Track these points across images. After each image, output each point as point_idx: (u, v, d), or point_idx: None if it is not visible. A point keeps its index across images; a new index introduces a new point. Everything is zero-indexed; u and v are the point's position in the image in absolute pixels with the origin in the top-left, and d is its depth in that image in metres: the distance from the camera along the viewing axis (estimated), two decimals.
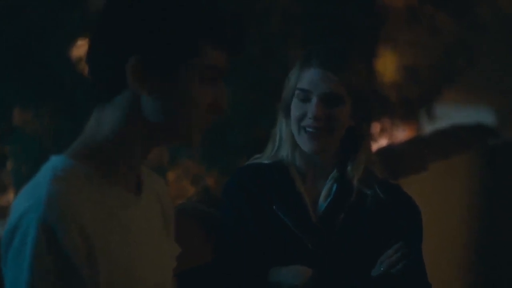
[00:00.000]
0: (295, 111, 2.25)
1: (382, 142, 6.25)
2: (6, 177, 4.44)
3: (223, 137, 4.70)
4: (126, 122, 1.50)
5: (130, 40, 1.47)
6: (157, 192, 1.65)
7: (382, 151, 3.95)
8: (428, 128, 6.51)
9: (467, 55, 6.11)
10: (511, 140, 5.05)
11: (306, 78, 2.23)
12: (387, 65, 6.15)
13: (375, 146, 3.25)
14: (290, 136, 2.28)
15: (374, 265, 2.23)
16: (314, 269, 2.18)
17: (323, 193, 2.28)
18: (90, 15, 3.97)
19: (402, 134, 6.63)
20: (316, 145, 2.23)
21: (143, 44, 1.46)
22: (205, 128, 1.53)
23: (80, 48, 4.05)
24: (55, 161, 1.48)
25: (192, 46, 1.48)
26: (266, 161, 2.33)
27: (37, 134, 4.17)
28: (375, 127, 6.10)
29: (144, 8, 1.48)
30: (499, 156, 4.93)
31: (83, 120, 1.53)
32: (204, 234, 2.33)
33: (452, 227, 4.49)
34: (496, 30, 6.81)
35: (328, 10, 5.19)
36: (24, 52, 3.97)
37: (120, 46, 1.47)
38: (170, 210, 1.70)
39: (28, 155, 4.16)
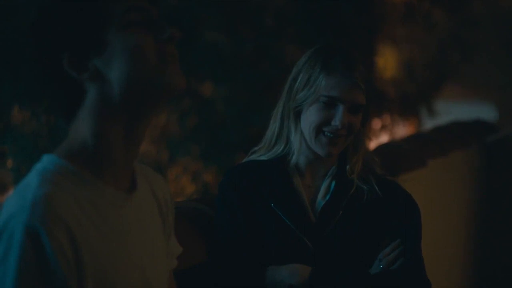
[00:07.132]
0: (316, 115, 2.24)
1: (383, 138, 6.25)
2: (6, 175, 4.43)
3: (217, 134, 4.69)
4: (99, 118, 1.48)
5: (54, 45, 1.47)
6: (153, 190, 1.63)
7: (382, 147, 3.94)
8: (428, 124, 6.51)
9: (463, 51, 6.12)
10: (510, 136, 5.04)
11: (333, 85, 2.22)
12: (386, 62, 6.15)
13: (376, 143, 3.25)
14: (299, 137, 2.28)
15: (372, 263, 2.23)
16: (313, 267, 2.18)
17: (322, 190, 2.28)
18: None
19: (402, 130, 6.63)
20: (334, 149, 2.24)
21: (64, 39, 1.46)
22: (175, 66, 1.47)
23: None
24: (45, 162, 1.47)
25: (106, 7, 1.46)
26: (263, 158, 2.32)
27: (34, 132, 4.16)
28: (376, 124, 6.11)
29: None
30: (498, 152, 4.93)
31: None
32: (200, 233, 2.32)
33: (451, 223, 4.49)
34: (492, 25, 6.81)
35: (323, 8, 5.17)
36: (20, 50, 3.97)
37: (49, 55, 1.47)
38: (170, 208, 1.67)
39: (26, 154, 4.15)
